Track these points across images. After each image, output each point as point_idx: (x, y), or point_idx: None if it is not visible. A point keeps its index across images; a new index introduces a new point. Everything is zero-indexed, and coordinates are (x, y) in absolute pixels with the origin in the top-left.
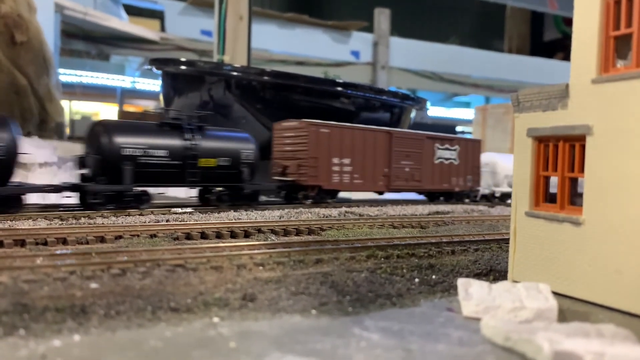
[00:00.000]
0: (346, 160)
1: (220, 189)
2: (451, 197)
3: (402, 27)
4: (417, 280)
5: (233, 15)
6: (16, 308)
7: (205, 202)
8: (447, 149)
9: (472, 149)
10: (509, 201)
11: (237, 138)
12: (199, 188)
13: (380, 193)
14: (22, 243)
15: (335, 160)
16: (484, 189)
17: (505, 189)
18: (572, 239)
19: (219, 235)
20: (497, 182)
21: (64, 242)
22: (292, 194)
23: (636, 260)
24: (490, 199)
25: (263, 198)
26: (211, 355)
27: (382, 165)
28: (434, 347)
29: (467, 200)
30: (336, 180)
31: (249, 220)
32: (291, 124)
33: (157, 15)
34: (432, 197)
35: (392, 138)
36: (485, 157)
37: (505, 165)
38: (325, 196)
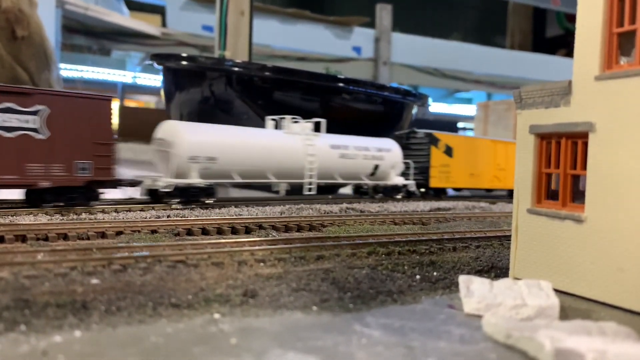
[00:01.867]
0: None
1: None
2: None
3: (404, 23)
4: (418, 277)
5: (234, 11)
6: (17, 304)
7: None
8: (6, 110)
9: (87, 111)
10: (199, 199)
11: None
12: None
13: None
14: (23, 238)
15: None
16: (153, 180)
17: (196, 181)
18: (574, 237)
19: (220, 231)
20: (174, 169)
21: (65, 237)
22: None
23: (638, 258)
24: (154, 195)
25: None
26: (212, 351)
27: None
28: (435, 344)
29: (94, 204)
30: None
31: (250, 216)
32: None
33: (159, 10)
34: None
35: None
36: (161, 130)
37: (190, 140)
38: None
